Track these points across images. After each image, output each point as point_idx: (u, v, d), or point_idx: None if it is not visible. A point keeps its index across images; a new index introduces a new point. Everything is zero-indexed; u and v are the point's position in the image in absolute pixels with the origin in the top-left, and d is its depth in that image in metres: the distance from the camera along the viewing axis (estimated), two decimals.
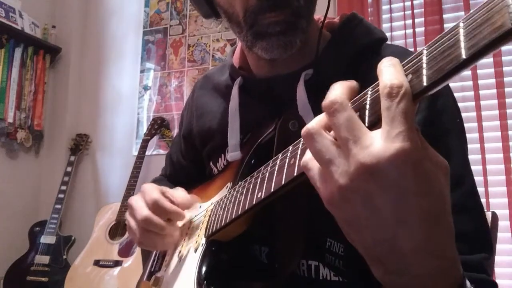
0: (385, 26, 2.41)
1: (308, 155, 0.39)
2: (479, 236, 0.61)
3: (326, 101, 0.37)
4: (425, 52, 0.34)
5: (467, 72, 2.19)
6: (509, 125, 2.09)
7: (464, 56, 0.30)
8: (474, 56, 0.30)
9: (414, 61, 0.35)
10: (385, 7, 2.44)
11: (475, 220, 0.62)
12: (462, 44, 0.31)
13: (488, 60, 2.18)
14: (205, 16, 0.79)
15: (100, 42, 3.14)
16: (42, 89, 2.96)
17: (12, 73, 2.78)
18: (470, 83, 2.18)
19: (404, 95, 0.33)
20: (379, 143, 0.33)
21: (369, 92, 0.38)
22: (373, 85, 0.38)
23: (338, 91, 0.37)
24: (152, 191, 0.74)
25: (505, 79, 2.13)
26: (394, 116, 0.33)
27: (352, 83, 0.39)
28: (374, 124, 0.36)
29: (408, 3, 2.36)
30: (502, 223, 1.94)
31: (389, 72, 0.35)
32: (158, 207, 0.72)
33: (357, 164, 0.34)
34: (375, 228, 0.35)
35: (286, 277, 0.65)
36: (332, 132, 0.38)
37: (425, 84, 0.33)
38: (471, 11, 0.31)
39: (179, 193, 0.77)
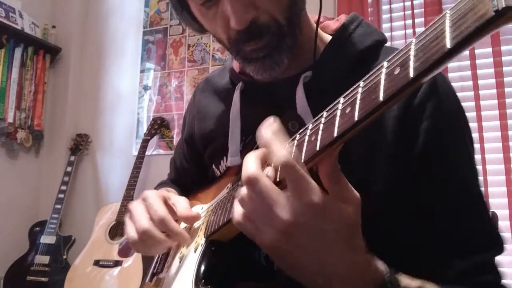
0: (385, 26, 2.42)
1: (239, 212, 0.49)
2: (484, 236, 0.62)
3: (244, 176, 0.46)
4: (413, 44, 0.35)
5: (467, 72, 2.20)
6: (509, 125, 2.10)
7: (449, 46, 0.31)
8: (459, 46, 0.30)
9: (402, 53, 0.36)
10: (385, 7, 2.44)
11: (479, 222, 0.62)
12: (447, 35, 0.31)
13: (488, 60, 2.18)
14: (197, 32, 0.79)
15: (100, 42, 3.14)
16: (42, 89, 2.96)
17: (12, 73, 2.78)
18: (470, 83, 2.18)
19: (293, 165, 0.43)
20: (291, 203, 0.43)
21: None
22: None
23: (252, 166, 0.46)
24: (157, 205, 0.72)
25: (505, 79, 2.13)
26: (293, 182, 0.43)
27: (264, 151, 0.48)
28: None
29: (408, 3, 2.36)
30: (502, 223, 1.94)
31: (276, 152, 0.44)
32: (164, 226, 0.70)
33: (277, 224, 0.44)
34: (307, 260, 0.46)
35: (285, 278, 0.65)
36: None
37: (411, 76, 0.33)
38: (457, 2, 0.32)
39: (182, 205, 0.75)
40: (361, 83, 0.40)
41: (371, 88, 0.38)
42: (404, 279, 0.48)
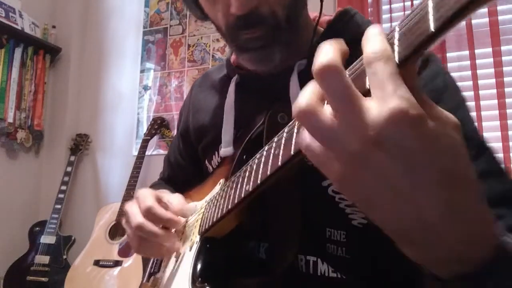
0: (385, 26, 2.41)
1: (305, 136, 0.36)
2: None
3: (317, 65, 0.33)
4: (397, 29, 0.34)
5: (467, 72, 2.19)
6: (509, 125, 2.09)
7: (432, 29, 0.30)
8: (442, 28, 0.29)
9: (387, 38, 0.35)
10: (385, 7, 2.44)
11: (507, 181, 0.61)
12: (430, 17, 0.30)
13: (488, 60, 2.18)
14: (199, 18, 0.79)
15: (100, 42, 3.14)
16: (42, 89, 2.96)
17: (12, 73, 2.78)
18: (470, 83, 2.17)
19: (388, 58, 0.32)
20: (374, 109, 0.31)
21: (354, 65, 0.37)
22: (358, 59, 0.37)
23: (330, 53, 0.33)
24: (146, 197, 0.73)
25: (505, 79, 2.13)
26: (382, 79, 0.31)
27: (343, 45, 0.36)
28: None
29: (408, 3, 2.36)
30: None
31: (372, 42, 0.34)
32: (152, 214, 0.71)
33: (358, 137, 0.31)
34: (393, 202, 0.33)
35: (283, 272, 0.65)
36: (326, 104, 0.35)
37: (396, 61, 0.32)
38: None
39: (176, 200, 0.76)
40: (347, 71, 0.37)
41: (357, 75, 0.36)
42: None
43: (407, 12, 0.33)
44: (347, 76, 0.33)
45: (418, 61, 0.33)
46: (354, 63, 0.37)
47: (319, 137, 0.34)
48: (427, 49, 0.31)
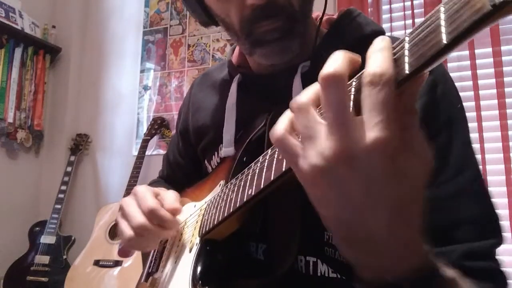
0: (385, 26, 2.41)
1: (282, 126, 0.39)
2: (487, 221, 0.60)
3: (324, 72, 0.35)
4: (407, 39, 0.34)
5: (467, 72, 2.19)
6: (509, 125, 2.09)
7: (445, 41, 0.30)
8: (455, 41, 0.29)
9: (396, 49, 0.35)
10: (385, 7, 2.44)
11: (481, 205, 0.61)
12: (443, 29, 0.30)
13: (488, 60, 2.17)
14: (204, 25, 0.79)
15: (100, 42, 3.14)
16: (42, 89, 2.96)
17: (12, 73, 2.78)
18: (470, 83, 2.17)
19: (385, 84, 0.33)
20: (358, 131, 0.33)
21: (355, 78, 0.38)
22: (362, 70, 0.37)
23: (339, 62, 0.35)
24: (147, 197, 0.72)
25: (505, 79, 2.12)
26: (373, 105, 0.33)
27: (355, 56, 0.37)
28: (357, 111, 0.36)
29: (408, 3, 2.36)
30: (502, 223, 1.93)
31: (375, 59, 0.34)
32: (155, 216, 0.70)
33: (334, 148, 0.34)
34: (342, 208, 0.36)
35: (283, 273, 0.65)
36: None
37: (407, 72, 0.32)
38: None
39: (170, 198, 0.75)
40: (354, 80, 0.38)
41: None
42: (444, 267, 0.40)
43: (420, 22, 0.33)
44: (347, 90, 0.35)
45: (421, 77, 0.34)
46: (361, 71, 0.37)
47: (302, 131, 0.37)
48: (439, 62, 0.31)
